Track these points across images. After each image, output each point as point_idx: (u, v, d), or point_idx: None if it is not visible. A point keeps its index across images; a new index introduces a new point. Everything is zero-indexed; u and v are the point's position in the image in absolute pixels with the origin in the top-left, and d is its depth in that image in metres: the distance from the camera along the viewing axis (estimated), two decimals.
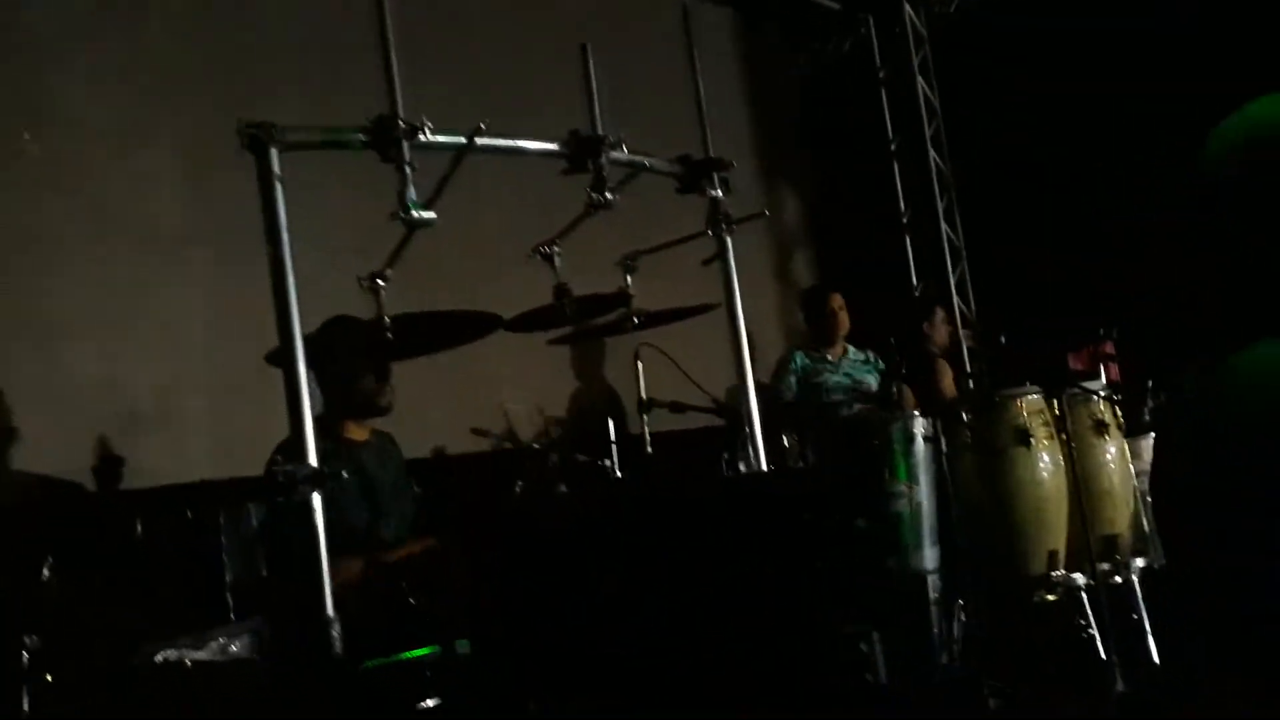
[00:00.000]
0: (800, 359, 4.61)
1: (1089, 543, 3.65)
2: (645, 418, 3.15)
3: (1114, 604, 3.70)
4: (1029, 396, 3.89)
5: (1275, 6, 4.48)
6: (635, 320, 2.73)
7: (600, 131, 2.27)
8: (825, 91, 6.34)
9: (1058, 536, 3.84)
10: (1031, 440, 3.81)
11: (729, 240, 2.74)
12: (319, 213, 3.50)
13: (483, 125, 1.95)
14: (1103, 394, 3.92)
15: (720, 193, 2.62)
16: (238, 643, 2.62)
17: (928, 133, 6.14)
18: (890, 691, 2.44)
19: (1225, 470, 1.29)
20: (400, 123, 1.99)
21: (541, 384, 3.81)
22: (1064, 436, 3.70)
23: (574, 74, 2.36)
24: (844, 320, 4.66)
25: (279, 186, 1.97)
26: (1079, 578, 3.74)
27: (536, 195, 2.46)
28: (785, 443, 3.83)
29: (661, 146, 2.73)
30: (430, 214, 1.99)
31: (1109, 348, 4.86)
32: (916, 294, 6.04)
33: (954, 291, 6.04)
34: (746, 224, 5.40)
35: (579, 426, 3.82)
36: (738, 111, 5.85)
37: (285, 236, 1.97)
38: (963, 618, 3.70)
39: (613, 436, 3.12)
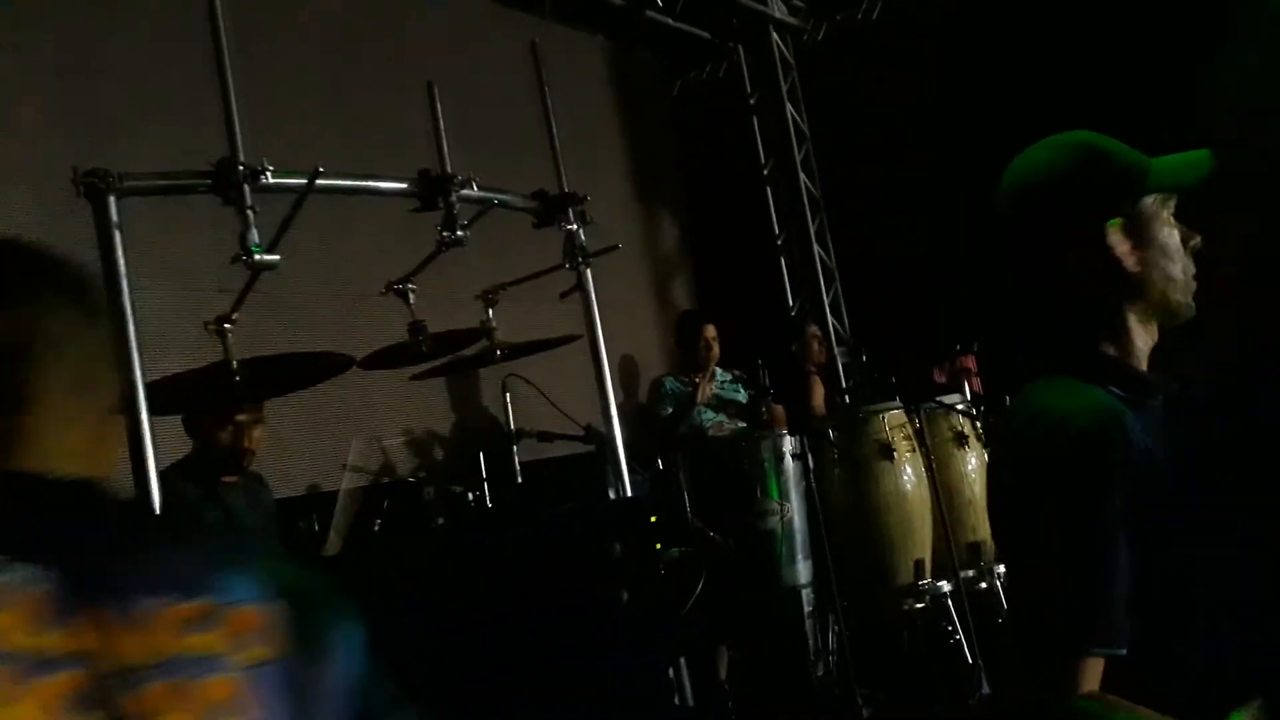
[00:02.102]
0: (670, 384, 4.70)
1: (953, 551, 3.81)
2: (515, 448, 3.18)
3: (980, 608, 3.87)
4: (890, 411, 4.05)
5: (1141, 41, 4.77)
6: (499, 353, 2.76)
7: (450, 169, 2.30)
8: (699, 117, 6.48)
9: (923, 546, 4.00)
10: (894, 453, 3.97)
11: (588, 271, 2.78)
12: (182, 250, 3.44)
13: (320, 169, 1.96)
14: (960, 407, 4.10)
15: (577, 226, 2.67)
16: None
17: (798, 156, 6.31)
18: (696, 714, 2.51)
19: (1000, 486, 1.39)
20: (241, 166, 1.98)
21: (418, 418, 3.80)
22: (925, 449, 3.85)
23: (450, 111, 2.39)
24: (716, 351, 4.76)
25: (118, 235, 1.94)
26: (944, 585, 3.90)
27: (398, 233, 2.47)
28: (660, 465, 3.91)
29: (531, 179, 2.78)
30: (274, 256, 1.99)
31: (970, 362, 5.07)
32: (793, 313, 6.20)
33: (828, 310, 6.22)
34: (626, 250, 5.48)
35: (454, 459, 3.83)
36: (613, 138, 5.93)
37: (125, 285, 1.94)
38: (836, 628, 3.81)
39: (483, 468, 3.13)
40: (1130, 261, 1.34)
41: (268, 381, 2.20)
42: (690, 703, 2.42)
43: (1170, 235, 1.37)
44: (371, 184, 2.22)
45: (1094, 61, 4.83)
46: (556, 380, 3.39)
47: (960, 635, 3.78)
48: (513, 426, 3.29)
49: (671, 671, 2.39)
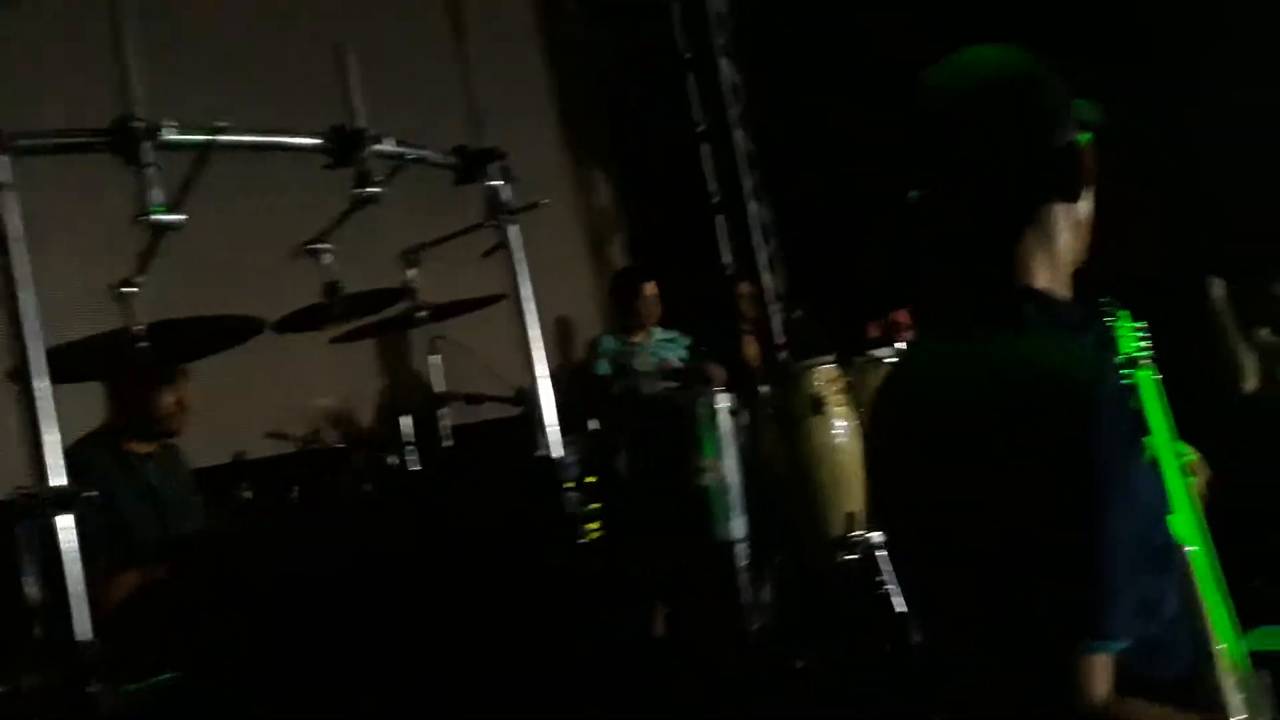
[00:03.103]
0: (608, 342, 4.68)
1: None
2: (443, 411, 3.14)
3: None
4: (822, 366, 4.07)
5: None
6: (421, 314, 2.72)
7: (363, 124, 2.24)
8: (632, 74, 6.39)
9: (855, 499, 4.04)
10: (826, 407, 4.00)
11: (513, 229, 2.74)
12: (87, 212, 3.32)
13: (223, 124, 1.89)
14: (890, 360, 4.14)
15: (499, 182, 2.62)
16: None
17: (733, 113, 6.28)
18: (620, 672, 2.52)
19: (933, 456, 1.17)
20: (138, 122, 1.90)
21: (345, 381, 3.72)
22: (856, 402, 3.89)
23: (368, 65, 2.33)
24: (656, 309, 4.74)
25: (10, 195, 1.86)
26: (875, 536, 3.95)
27: (316, 190, 2.40)
28: (595, 425, 3.89)
29: (456, 135, 2.71)
30: (178, 216, 1.93)
31: (904, 316, 5.11)
32: (729, 272, 6.19)
33: (765, 267, 6.22)
34: (558, 209, 5.39)
35: (381, 423, 3.77)
36: (542, 95, 5.84)
37: (20, 246, 1.86)
38: (770, 582, 3.86)
39: (409, 433, 3.09)
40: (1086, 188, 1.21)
41: (176, 346, 2.13)
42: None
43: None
44: (279, 140, 2.15)
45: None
46: (488, 341, 3.34)
47: (890, 586, 3.84)
48: (441, 389, 3.24)
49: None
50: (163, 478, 2.87)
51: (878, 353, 4.17)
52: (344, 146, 2.21)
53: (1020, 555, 1.02)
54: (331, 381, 3.65)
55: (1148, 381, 1.88)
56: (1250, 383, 3.81)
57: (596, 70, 6.31)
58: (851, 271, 5.56)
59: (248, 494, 3.07)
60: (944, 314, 1.25)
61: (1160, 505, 1.15)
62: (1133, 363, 1.93)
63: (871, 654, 3.67)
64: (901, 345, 4.48)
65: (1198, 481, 1.71)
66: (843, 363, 4.02)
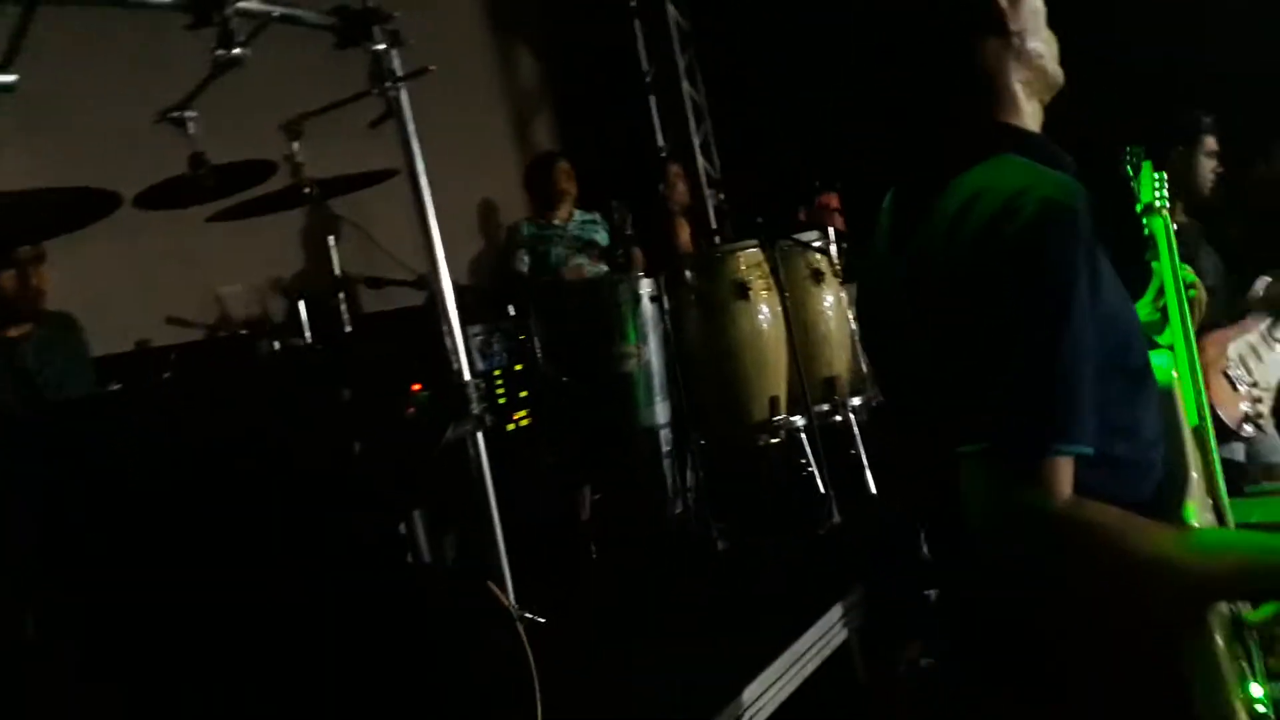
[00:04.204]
0: (527, 228, 4.53)
1: (806, 387, 3.82)
2: (342, 295, 3.00)
3: (832, 442, 3.92)
4: (746, 250, 3.98)
5: None
6: (308, 190, 2.56)
7: None
8: None
9: (778, 383, 4.01)
10: (750, 292, 3.92)
11: (403, 98, 2.55)
12: None
13: None
14: (815, 245, 4.05)
15: (385, 45, 2.43)
16: None
17: None
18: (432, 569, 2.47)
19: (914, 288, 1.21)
20: None
21: (244, 264, 3.55)
22: (780, 286, 3.80)
23: None
24: (571, 189, 4.59)
25: None
26: (798, 420, 3.94)
27: (181, 51, 2.19)
28: (511, 313, 3.79)
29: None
30: (8, 77, 1.75)
31: (833, 200, 5.02)
32: (662, 154, 6.03)
33: (698, 150, 6.07)
34: (481, 88, 5.11)
35: (277, 307, 3.62)
36: None
37: None
38: (693, 467, 3.83)
39: (304, 316, 2.95)
40: (1011, 18, 1.19)
41: (19, 222, 1.97)
42: (427, 558, 2.36)
43: None
44: None
45: None
46: (393, 223, 3.18)
47: (813, 468, 3.83)
48: (339, 272, 3.10)
49: (404, 527, 2.31)
50: (39, 360, 2.69)
51: (803, 236, 4.08)
52: (203, 3, 2.02)
53: (990, 364, 1.07)
54: (229, 264, 3.48)
55: (1161, 229, 1.86)
56: None
57: None
58: (782, 155, 5.44)
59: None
60: (915, 165, 1.26)
61: (1135, 330, 1.18)
62: (1150, 210, 1.89)
63: (795, 535, 3.69)
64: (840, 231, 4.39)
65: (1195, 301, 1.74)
66: (766, 247, 3.92)
